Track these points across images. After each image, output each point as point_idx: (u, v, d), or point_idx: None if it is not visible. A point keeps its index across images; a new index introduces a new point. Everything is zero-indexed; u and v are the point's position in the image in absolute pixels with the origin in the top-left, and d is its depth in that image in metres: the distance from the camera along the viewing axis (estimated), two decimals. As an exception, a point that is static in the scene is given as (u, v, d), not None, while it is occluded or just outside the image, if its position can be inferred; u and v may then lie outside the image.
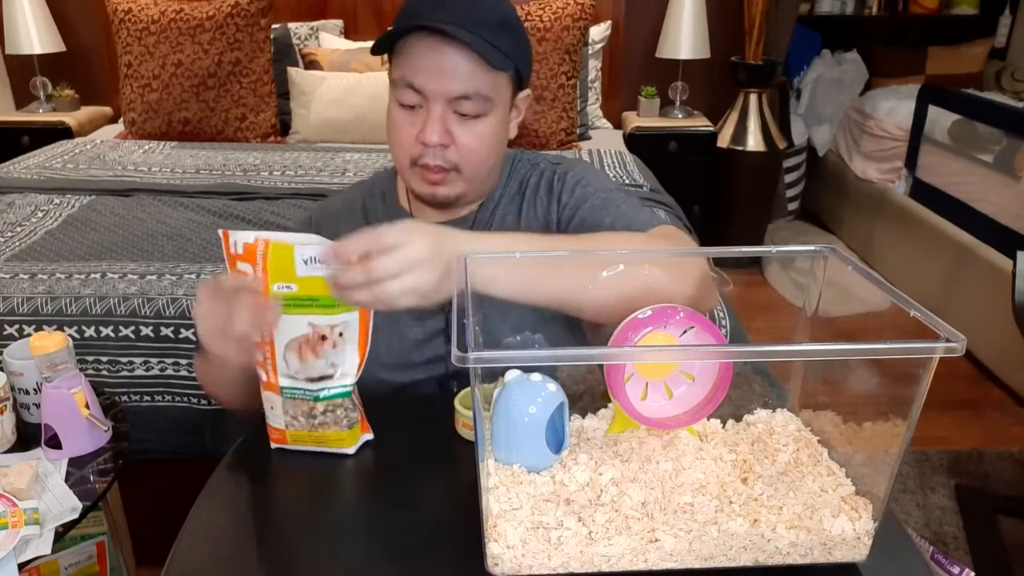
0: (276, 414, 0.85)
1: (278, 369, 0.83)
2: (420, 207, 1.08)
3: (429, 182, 1.00)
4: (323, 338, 0.80)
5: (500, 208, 1.07)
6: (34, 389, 1.16)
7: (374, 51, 0.98)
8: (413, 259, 0.72)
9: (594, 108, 3.20)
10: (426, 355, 1.04)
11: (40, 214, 2.03)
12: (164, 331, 1.51)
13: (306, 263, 0.76)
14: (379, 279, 0.71)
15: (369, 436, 0.88)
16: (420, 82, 0.94)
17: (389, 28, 0.98)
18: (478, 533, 0.68)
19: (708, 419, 0.79)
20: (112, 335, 1.51)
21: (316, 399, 0.83)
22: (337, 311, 0.80)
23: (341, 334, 0.81)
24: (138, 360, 1.52)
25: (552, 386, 0.73)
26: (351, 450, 0.86)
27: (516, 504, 0.69)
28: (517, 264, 0.81)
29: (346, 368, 0.83)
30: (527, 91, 1.05)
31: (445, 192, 1.01)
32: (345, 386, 0.84)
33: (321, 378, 0.83)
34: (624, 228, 0.97)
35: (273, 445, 0.87)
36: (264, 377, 0.84)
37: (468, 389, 0.84)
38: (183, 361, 1.52)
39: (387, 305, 0.72)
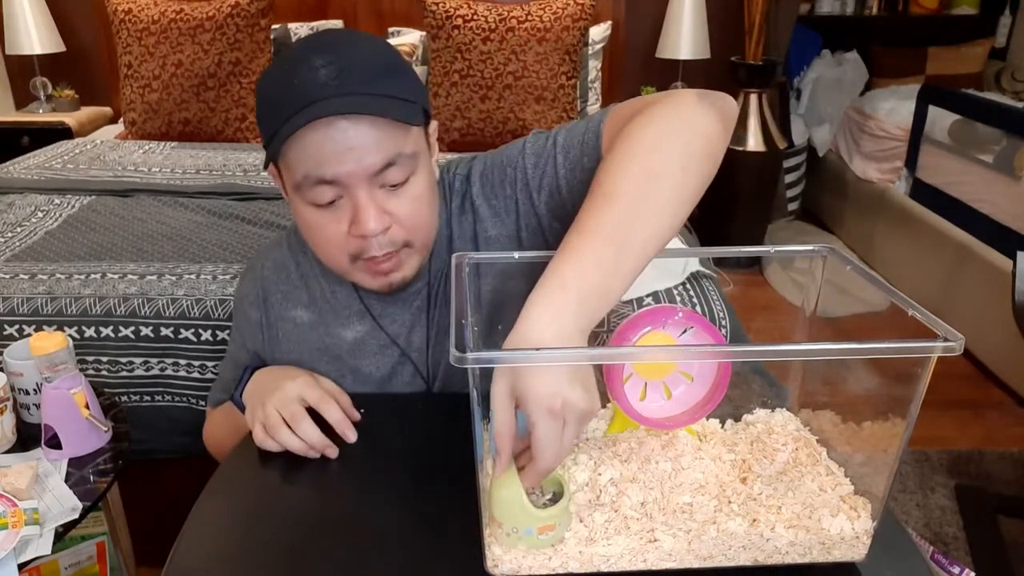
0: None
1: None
2: None
3: (382, 272, 0.88)
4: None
5: (443, 262, 0.96)
6: (34, 389, 1.16)
7: (269, 158, 0.84)
8: (541, 413, 0.62)
9: (594, 108, 3.19)
10: (396, 386, 1.01)
11: (40, 214, 2.03)
12: (164, 331, 1.51)
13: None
14: (538, 453, 0.64)
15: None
16: (332, 172, 0.80)
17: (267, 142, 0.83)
18: (478, 533, 0.68)
19: (707, 419, 0.79)
20: (112, 335, 1.51)
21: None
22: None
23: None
24: (138, 360, 1.52)
25: (551, 386, 0.73)
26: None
27: (515, 504, 0.69)
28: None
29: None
30: (434, 123, 0.92)
31: (402, 276, 0.90)
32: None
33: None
34: (578, 137, 0.86)
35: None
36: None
37: None
38: (183, 361, 1.52)
39: (566, 451, 0.65)
